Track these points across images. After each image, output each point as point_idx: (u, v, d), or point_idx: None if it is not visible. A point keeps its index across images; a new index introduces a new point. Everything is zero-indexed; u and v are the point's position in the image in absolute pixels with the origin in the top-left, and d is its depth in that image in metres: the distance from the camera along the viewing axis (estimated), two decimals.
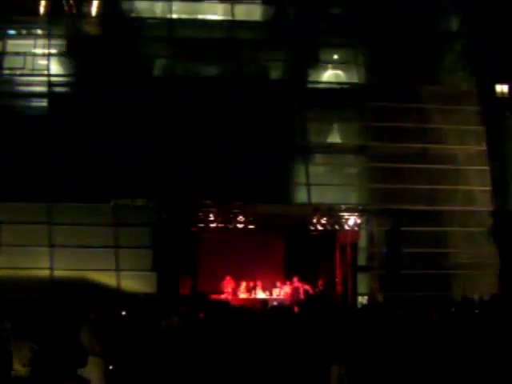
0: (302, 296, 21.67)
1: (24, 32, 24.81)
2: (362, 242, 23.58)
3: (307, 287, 22.16)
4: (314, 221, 22.40)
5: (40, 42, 24.21)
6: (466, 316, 11.67)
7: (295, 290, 21.88)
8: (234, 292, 22.02)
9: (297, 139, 23.92)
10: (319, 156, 24.62)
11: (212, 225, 21.94)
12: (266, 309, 13.03)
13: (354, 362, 9.03)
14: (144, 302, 16.79)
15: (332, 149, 24.75)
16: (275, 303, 19.93)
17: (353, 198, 24.15)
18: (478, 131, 24.75)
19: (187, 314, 11.81)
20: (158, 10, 24.96)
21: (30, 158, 22.02)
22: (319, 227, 22.69)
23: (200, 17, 25.17)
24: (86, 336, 7.67)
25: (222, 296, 21.54)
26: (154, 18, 24.90)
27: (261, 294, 22.00)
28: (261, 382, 9.76)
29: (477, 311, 12.98)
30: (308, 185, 23.41)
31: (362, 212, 22.83)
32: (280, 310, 13.25)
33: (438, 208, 23.94)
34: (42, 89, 23.70)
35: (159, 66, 24.77)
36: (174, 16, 24.59)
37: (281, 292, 22.25)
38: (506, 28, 24.78)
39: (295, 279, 22.17)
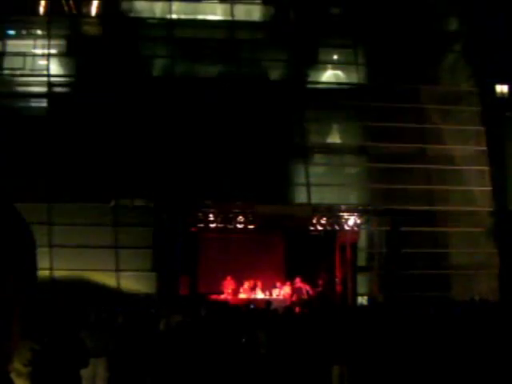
0: (304, 296, 21.64)
1: (24, 32, 24.82)
2: (362, 242, 23.59)
3: (307, 287, 22.14)
4: (314, 221, 22.38)
5: (40, 42, 24.22)
6: (468, 317, 11.67)
7: (298, 291, 21.84)
8: (234, 292, 21.98)
9: (297, 139, 23.92)
10: (319, 156, 24.61)
11: (212, 225, 21.92)
12: (268, 309, 13.02)
13: (355, 363, 9.03)
14: (144, 302, 16.78)
15: (332, 149, 24.75)
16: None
17: (353, 198, 24.17)
18: (478, 131, 24.76)
19: (187, 314, 11.80)
20: (158, 9, 24.96)
21: (29, 158, 22.02)
22: (319, 227, 22.67)
23: (200, 17, 25.16)
24: (89, 336, 7.68)
25: (222, 296, 21.51)
26: (154, 18, 24.90)
27: (260, 295, 21.96)
28: (262, 382, 9.76)
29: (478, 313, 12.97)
30: (308, 185, 23.42)
31: (361, 212, 22.82)
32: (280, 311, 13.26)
33: (438, 208, 23.94)
34: (42, 89, 23.70)
35: (159, 65, 24.77)
36: (174, 16, 24.58)
37: (281, 292, 22.22)
38: (506, 28, 24.78)
39: (298, 279, 22.13)
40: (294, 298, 21.37)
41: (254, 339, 10.22)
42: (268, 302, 14.05)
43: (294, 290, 21.92)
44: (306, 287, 22.03)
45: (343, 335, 9.27)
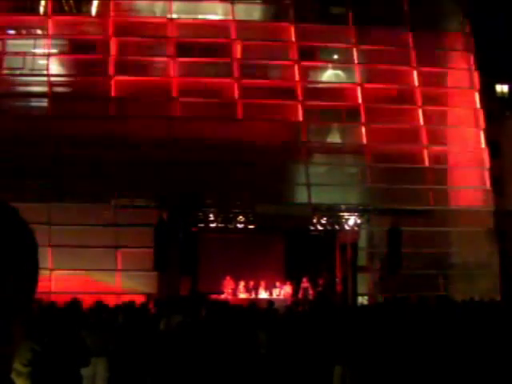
0: (310, 295, 21.69)
1: (24, 32, 24.80)
2: (362, 242, 23.58)
3: (308, 287, 22.18)
4: (314, 221, 22.38)
5: (40, 42, 24.21)
6: (468, 317, 11.67)
7: (305, 290, 21.89)
8: (234, 292, 22.00)
9: (297, 139, 23.92)
10: (319, 156, 24.62)
11: (212, 225, 21.93)
12: (270, 309, 13.02)
13: (356, 363, 9.02)
14: (144, 303, 16.76)
15: (332, 149, 24.75)
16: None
17: (353, 198, 24.14)
18: (478, 131, 24.76)
19: (187, 314, 11.80)
20: (158, 10, 24.95)
21: (29, 158, 22.01)
22: (319, 227, 22.67)
23: (200, 17, 25.15)
24: (89, 336, 7.68)
25: (222, 296, 21.51)
26: (154, 18, 24.88)
27: (264, 294, 21.96)
28: (262, 382, 9.76)
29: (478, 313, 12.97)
30: (308, 185, 23.42)
31: (362, 212, 22.82)
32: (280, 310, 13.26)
33: (438, 208, 23.95)
34: (42, 89, 23.69)
35: (159, 65, 24.76)
36: (174, 16, 24.57)
37: (281, 292, 22.23)
38: (506, 28, 24.79)
39: (305, 279, 22.18)
40: (300, 296, 21.49)
41: (254, 339, 10.22)
42: (270, 302, 14.05)
43: (301, 289, 21.98)
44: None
45: (344, 335, 9.27)
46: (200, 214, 21.74)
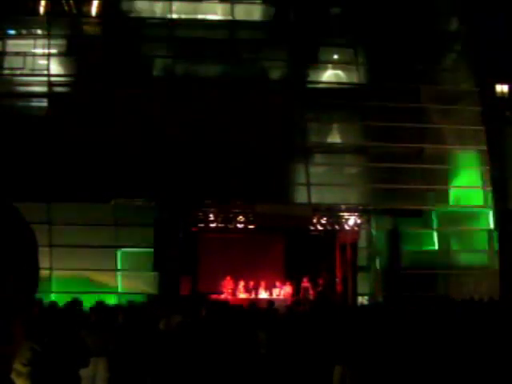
0: (311, 295, 21.72)
1: (24, 32, 24.79)
2: (362, 242, 23.57)
3: (308, 287, 22.18)
4: (314, 221, 22.39)
5: (40, 42, 24.20)
6: (468, 317, 11.67)
7: (305, 290, 21.91)
8: (234, 292, 22.02)
9: (297, 139, 23.91)
10: (319, 156, 24.61)
11: (212, 225, 21.94)
12: (270, 309, 13.04)
13: (356, 363, 9.03)
14: (143, 302, 16.77)
15: (332, 149, 24.74)
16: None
17: (353, 198, 24.14)
18: (477, 131, 24.75)
19: (187, 314, 11.80)
20: (158, 10, 24.95)
21: (29, 157, 22.01)
22: (319, 227, 22.69)
23: (200, 17, 25.15)
24: (89, 336, 7.69)
25: (222, 296, 21.53)
26: (154, 18, 24.89)
27: (264, 294, 21.98)
28: (262, 382, 9.77)
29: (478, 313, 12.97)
30: (308, 185, 23.41)
31: (361, 212, 22.82)
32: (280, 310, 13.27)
33: (437, 208, 23.95)
34: (42, 89, 23.69)
35: (159, 65, 24.76)
36: (174, 16, 24.57)
37: (281, 292, 22.25)
38: (506, 28, 24.78)
39: (305, 279, 22.20)
40: (300, 296, 21.53)
41: (254, 339, 10.22)
42: (270, 302, 14.07)
43: (301, 289, 22.02)
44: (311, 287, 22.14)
45: (344, 335, 9.27)
46: (200, 213, 21.75)
